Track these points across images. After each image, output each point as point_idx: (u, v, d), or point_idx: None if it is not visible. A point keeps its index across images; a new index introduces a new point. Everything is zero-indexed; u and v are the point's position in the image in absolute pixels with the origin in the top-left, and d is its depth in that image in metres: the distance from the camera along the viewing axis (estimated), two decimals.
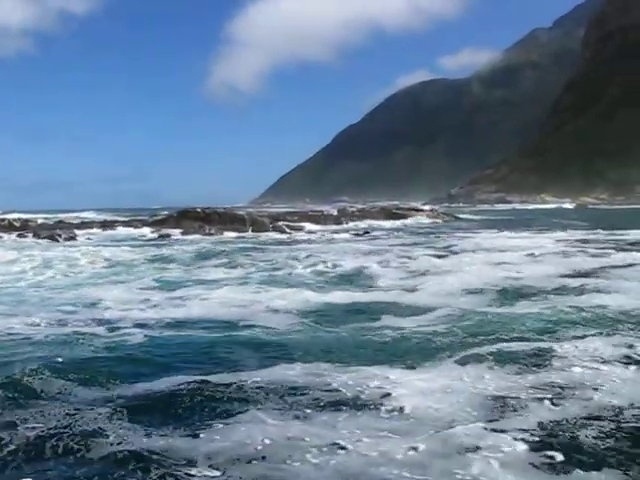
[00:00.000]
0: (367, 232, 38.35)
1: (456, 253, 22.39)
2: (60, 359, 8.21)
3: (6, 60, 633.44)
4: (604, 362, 8.12)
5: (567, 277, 15.61)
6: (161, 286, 16.17)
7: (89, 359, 8.44)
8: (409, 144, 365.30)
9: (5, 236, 37.59)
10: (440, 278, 16.00)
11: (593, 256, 20.15)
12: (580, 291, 13.51)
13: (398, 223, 48.89)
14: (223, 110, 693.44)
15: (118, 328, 10.53)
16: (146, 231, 39.09)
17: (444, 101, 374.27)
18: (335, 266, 19.19)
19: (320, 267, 19.20)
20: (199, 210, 41.25)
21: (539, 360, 8.35)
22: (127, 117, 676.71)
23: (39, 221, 51.49)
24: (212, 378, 7.34)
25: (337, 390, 6.92)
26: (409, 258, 20.54)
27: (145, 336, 9.83)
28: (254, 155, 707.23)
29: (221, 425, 5.88)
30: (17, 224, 45.69)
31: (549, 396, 6.74)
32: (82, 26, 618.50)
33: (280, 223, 40.01)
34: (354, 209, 68.79)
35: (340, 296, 13.94)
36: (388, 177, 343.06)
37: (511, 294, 13.72)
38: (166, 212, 52.40)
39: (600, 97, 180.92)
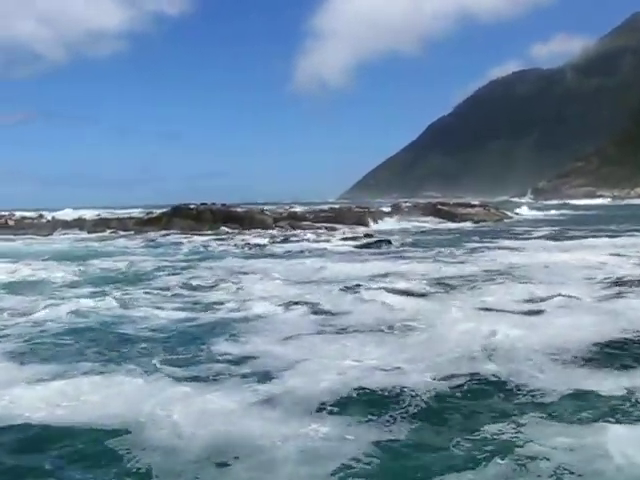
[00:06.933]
0: (373, 238, 32.03)
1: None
2: None
3: (102, 60, 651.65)
4: None
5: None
6: None
7: None
8: (500, 137, 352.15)
9: None
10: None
11: None
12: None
13: (437, 223, 42.65)
14: (310, 104, 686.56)
15: None
16: (128, 233, 34.34)
17: (537, 91, 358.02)
18: (242, 308, 11.87)
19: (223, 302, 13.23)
20: (192, 207, 36.19)
21: None
22: (215, 112, 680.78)
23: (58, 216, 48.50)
24: None
25: None
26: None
27: None
28: (342, 149, 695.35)
29: None
30: (11, 223, 42.55)
31: None
32: (174, 26, 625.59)
33: (283, 223, 34.29)
34: (408, 204, 64.11)
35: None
36: (478, 171, 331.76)
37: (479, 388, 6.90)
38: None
39: None
